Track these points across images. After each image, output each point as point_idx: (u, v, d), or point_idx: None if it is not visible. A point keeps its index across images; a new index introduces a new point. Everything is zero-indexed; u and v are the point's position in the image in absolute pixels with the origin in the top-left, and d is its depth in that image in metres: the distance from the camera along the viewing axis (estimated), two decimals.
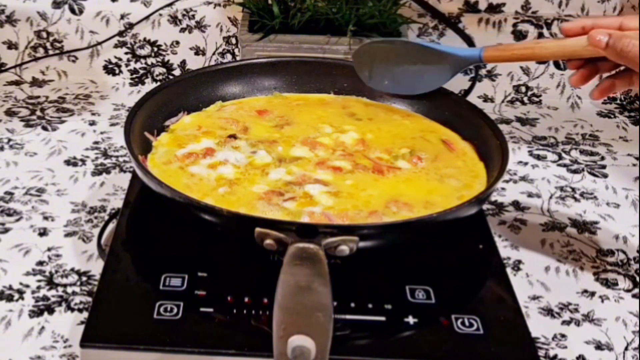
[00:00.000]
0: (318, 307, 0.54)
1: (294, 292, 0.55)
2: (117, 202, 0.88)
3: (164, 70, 1.18)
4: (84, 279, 0.77)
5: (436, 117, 0.88)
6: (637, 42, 0.68)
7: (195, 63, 1.18)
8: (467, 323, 0.64)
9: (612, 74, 0.75)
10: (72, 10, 1.14)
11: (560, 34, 0.75)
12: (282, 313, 0.54)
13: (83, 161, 0.97)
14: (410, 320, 0.64)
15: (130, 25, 1.15)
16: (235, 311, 0.64)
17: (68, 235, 0.83)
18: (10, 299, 0.74)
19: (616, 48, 0.69)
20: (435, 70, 0.83)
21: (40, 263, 0.79)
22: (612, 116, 1.16)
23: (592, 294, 0.79)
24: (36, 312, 0.73)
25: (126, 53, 1.17)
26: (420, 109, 0.90)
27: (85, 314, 0.72)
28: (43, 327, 0.71)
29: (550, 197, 0.95)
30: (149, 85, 1.18)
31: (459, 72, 0.82)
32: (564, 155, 1.05)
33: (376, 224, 0.68)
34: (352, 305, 0.65)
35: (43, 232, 0.83)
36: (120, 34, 1.16)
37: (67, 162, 0.96)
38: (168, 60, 1.18)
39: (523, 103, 1.19)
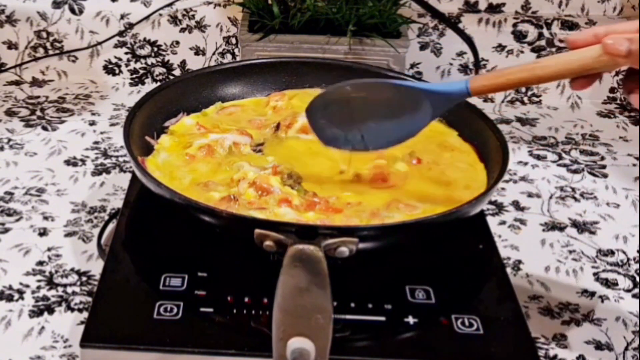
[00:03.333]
0: (318, 309, 0.54)
1: (293, 294, 0.55)
2: (117, 202, 0.88)
3: (164, 70, 1.18)
4: (84, 279, 0.77)
5: None
6: None
7: (195, 63, 1.18)
8: (467, 323, 0.64)
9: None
10: (72, 10, 1.14)
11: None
12: (281, 315, 0.54)
13: (83, 161, 0.97)
14: (410, 320, 0.64)
15: (130, 25, 1.15)
16: (235, 311, 0.64)
17: (68, 235, 0.83)
18: (10, 299, 0.74)
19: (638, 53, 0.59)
20: (408, 113, 0.68)
21: (40, 263, 0.79)
22: (612, 116, 1.16)
23: (592, 294, 0.79)
24: (36, 312, 0.73)
25: (126, 53, 1.17)
26: None
27: (85, 314, 0.72)
28: (43, 327, 0.71)
29: (550, 197, 0.95)
30: (149, 85, 1.18)
31: (443, 112, 0.68)
32: (564, 155, 1.05)
33: (376, 225, 0.68)
34: (352, 305, 0.65)
35: (43, 232, 0.84)
36: (120, 34, 1.16)
37: (67, 162, 0.97)
38: (168, 60, 1.18)
39: (523, 103, 1.19)
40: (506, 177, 0.97)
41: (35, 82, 1.16)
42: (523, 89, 1.19)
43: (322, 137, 0.73)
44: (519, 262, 0.83)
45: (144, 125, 0.80)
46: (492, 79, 0.65)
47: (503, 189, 0.95)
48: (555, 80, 0.64)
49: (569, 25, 1.16)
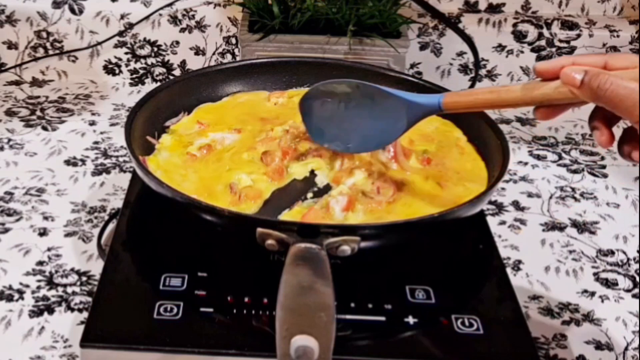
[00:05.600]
0: (321, 307, 0.54)
1: (296, 292, 0.55)
2: (117, 202, 0.88)
3: (164, 70, 1.18)
4: (84, 279, 0.77)
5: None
6: (616, 80, 0.56)
7: (195, 63, 1.18)
8: (467, 323, 0.64)
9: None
10: (72, 10, 1.14)
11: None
12: (284, 313, 0.54)
13: (83, 161, 0.97)
14: (410, 320, 0.64)
15: (130, 25, 1.15)
16: (235, 311, 0.64)
17: (68, 235, 0.83)
18: (10, 299, 0.74)
19: (592, 86, 0.57)
20: (389, 120, 0.70)
21: (40, 263, 0.79)
22: None
23: (592, 294, 0.79)
24: (36, 312, 0.73)
25: (126, 53, 1.17)
26: None
27: (85, 314, 0.72)
28: (43, 327, 0.71)
29: (550, 197, 0.95)
30: (149, 85, 1.18)
31: (415, 124, 0.69)
32: (564, 155, 1.05)
33: (377, 224, 0.69)
34: (352, 305, 0.65)
35: (43, 232, 0.83)
36: (120, 34, 1.16)
37: (67, 162, 0.97)
38: (168, 60, 1.18)
39: None
40: (506, 177, 0.97)
41: (35, 82, 1.16)
42: None
43: (310, 130, 0.76)
44: (519, 262, 0.83)
45: (145, 124, 0.80)
46: (463, 96, 0.66)
47: (503, 189, 0.96)
48: (520, 106, 0.64)
49: (569, 25, 1.16)
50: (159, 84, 1.16)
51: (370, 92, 0.71)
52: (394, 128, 0.70)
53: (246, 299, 0.65)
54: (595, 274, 0.82)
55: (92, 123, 1.06)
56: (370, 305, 0.65)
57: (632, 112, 0.54)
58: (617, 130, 0.62)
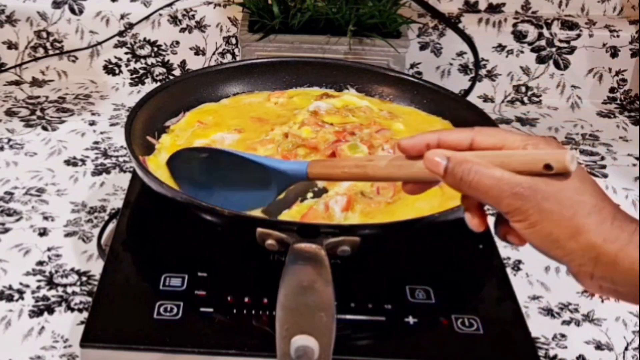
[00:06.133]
0: (321, 307, 0.54)
1: (296, 292, 0.55)
2: (117, 202, 0.88)
3: (164, 70, 1.18)
4: (84, 279, 0.77)
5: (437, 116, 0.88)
6: (480, 169, 0.51)
7: (195, 63, 1.18)
8: (467, 323, 0.64)
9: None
10: (72, 10, 1.14)
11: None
12: (285, 313, 0.54)
13: (83, 161, 0.97)
14: (410, 320, 0.64)
15: (130, 25, 1.15)
16: (235, 311, 0.64)
17: (68, 235, 0.83)
18: (10, 299, 0.74)
19: (456, 176, 0.52)
20: (259, 187, 0.68)
21: (40, 263, 0.79)
22: (612, 116, 1.16)
23: (592, 294, 0.79)
24: (36, 312, 0.73)
25: (126, 53, 1.17)
26: (420, 108, 0.90)
27: (85, 314, 0.72)
28: (43, 327, 0.71)
29: None
30: (149, 85, 1.18)
31: (285, 190, 0.68)
32: None
33: (377, 224, 0.69)
34: (352, 305, 0.65)
35: (43, 232, 0.83)
36: (120, 34, 1.16)
37: (67, 162, 0.96)
38: (168, 60, 1.18)
39: (523, 103, 1.19)
40: None
41: (35, 82, 1.16)
42: (523, 89, 1.19)
43: (182, 187, 0.73)
44: (519, 262, 0.83)
45: (145, 124, 0.80)
46: (329, 167, 0.62)
47: None
48: (385, 181, 0.62)
49: (569, 25, 1.16)
50: (159, 84, 1.16)
51: (232, 160, 0.69)
52: (265, 193, 0.68)
53: (246, 299, 0.65)
54: None
55: (92, 123, 1.06)
56: (370, 305, 0.65)
57: (500, 203, 0.50)
58: None
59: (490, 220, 0.55)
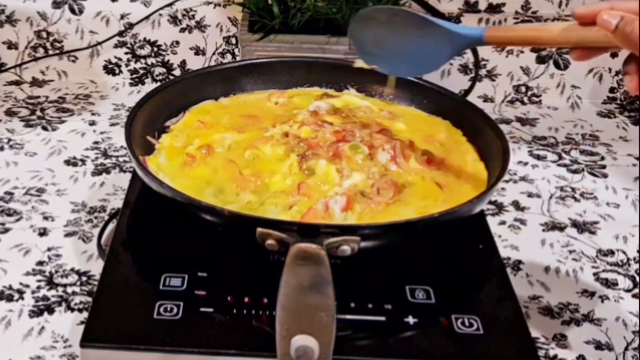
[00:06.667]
0: (321, 307, 0.54)
1: (296, 292, 0.55)
2: (117, 202, 0.88)
3: (164, 70, 1.18)
4: (84, 279, 0.77)
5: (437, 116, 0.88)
6: None
7: (195, 63, 1.18)
8: (467, 323, 0.64)
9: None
10: (72, 10, 1.14)
11: (574, 18, 0.65)
12: (285, 313, 0.54)
13: (83, 161, 0.97)
14: (410, 320, 0.64)
15: (130, 25, 1.15)
16: (235, 311, 0.64)
17: (68, 235, 0.83)
18: (10, 299, 0.74)
19: (625, 31, 0.58)
20: (434, 48, 0.73)
21: (40, 263, 0.79)
22: (612, 116, 1.17)
23: (592, 294, 0.79)
24: (36, 312, 0.73)
25: (126, 53, 1.17)
26: (420, 108, 0.90)
27: (85, 314, 0.72)
28: (43, 327, 0.71)
29: (550, 197, 0.95)
30: (149, 85, 1.18)
31: (458, 53, 0.76)
32: (564, 155, 1.05)
33: (377, 224, 0.68)
34: (352, 305, 0.65)
35: (43, 232, 0.83)
36: (120, 34, 1.16)
37: (67, 162, 0.97)
38: (168, 60, 1.18)
39: (523, 103, 1.19)
40: (506, 177, 0.97)
41: (35, 82, 1.16)
42: (523, 89, 1.19)
43: (359, 51, 0.80)
44: (519, 262, 0.83)
45: (145, 124, 0.80)
46: (505, 31, 0.71)
47: (503, 189, 0.96)
48: (556, 45, 0.68)
49: None
50: (159, 84, 1.16)
51: (413, 20, 0.74)
52: (438, 56, 0.74)
53: (246, 299, 0.65)
54: (595, 274, 0.82)
55: (92, 123, 1.06)
56: (370, 305, 0.65)
57: None
58: None
59: None
